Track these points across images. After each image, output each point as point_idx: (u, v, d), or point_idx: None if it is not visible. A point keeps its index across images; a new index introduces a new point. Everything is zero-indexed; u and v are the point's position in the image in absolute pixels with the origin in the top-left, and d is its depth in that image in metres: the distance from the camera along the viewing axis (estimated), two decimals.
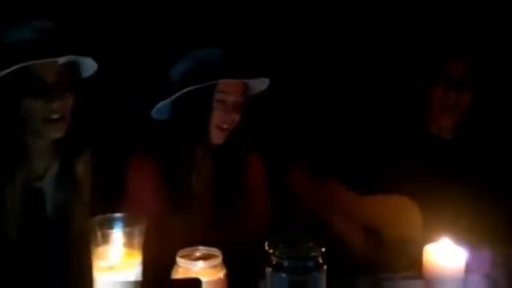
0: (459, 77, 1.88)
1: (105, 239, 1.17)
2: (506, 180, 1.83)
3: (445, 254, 1.34)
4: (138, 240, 1.18)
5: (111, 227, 1.18)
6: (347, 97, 2.35)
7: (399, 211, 1.79)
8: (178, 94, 1.66)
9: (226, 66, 1.69)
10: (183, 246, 1.28)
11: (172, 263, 1.25)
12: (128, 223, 1.19)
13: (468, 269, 1.33)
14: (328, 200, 1.86)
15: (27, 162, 1.52)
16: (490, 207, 1.72)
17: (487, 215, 1.70)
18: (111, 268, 1.16)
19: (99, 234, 1.17)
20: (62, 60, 1.48)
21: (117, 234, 1.18)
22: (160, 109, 1.72)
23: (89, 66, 1.56)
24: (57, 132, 1.52)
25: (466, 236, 1.37)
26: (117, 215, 1.20)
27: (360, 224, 1.82)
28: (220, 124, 1.69)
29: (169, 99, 1.69)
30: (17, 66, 1.42)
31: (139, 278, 1.16)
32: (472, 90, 1.89)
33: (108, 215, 1.20)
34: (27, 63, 1.42)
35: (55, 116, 1.49)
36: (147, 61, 2.20)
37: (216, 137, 1.70)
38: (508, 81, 2.18)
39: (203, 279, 1.11)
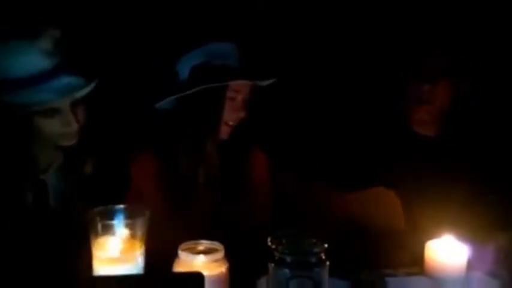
0: (432, 68, 1.80)
1: (106, 231, 1.16)
2: (504, 176, 1.82)
3: (448, 250, 1.34)
4: (140, 232, 1.17)
5: (112, 219, 1.17)
6: (332, 97, 2.33)
7: (379, 201, 1.78)
8: (190, 91, 1.64)
9: (241, 66, 1.69)
10: (186, 240, 1.27)
11: (174, 256, 1.24)
12: (129, 215, 1.18)
13: (470, 265, 1.33)
14: (316, 200, 1.85)
15: (32, 156, 1.50)
16: (491, 204, 1.71)
17: (489, 211, 1.69)
18: (112, 260, 1.15)
19: (99, 225, 1.16)
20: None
21: (119, 226, 1.17)
22: (166, 102, 1.70)
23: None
24: (71, 142, 1.50)
25: (467, 232, 1.37)
26: (118, 206, 1.19)
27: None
28: (227, 121, 1.70)
29: (178, 95, 1.67)
30: (52, 105, 1.40)
31: (141, 271, 1.15)
32: (450, 82, 1.82)
33: (109, 206, 1.19)
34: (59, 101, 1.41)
35: (72, 132, 1.48)
36: (154, 54, 2.17)
37: (223, 132, 1.71)
38: (494, 75, 2.15)
39: (205, 273, 1.10)
